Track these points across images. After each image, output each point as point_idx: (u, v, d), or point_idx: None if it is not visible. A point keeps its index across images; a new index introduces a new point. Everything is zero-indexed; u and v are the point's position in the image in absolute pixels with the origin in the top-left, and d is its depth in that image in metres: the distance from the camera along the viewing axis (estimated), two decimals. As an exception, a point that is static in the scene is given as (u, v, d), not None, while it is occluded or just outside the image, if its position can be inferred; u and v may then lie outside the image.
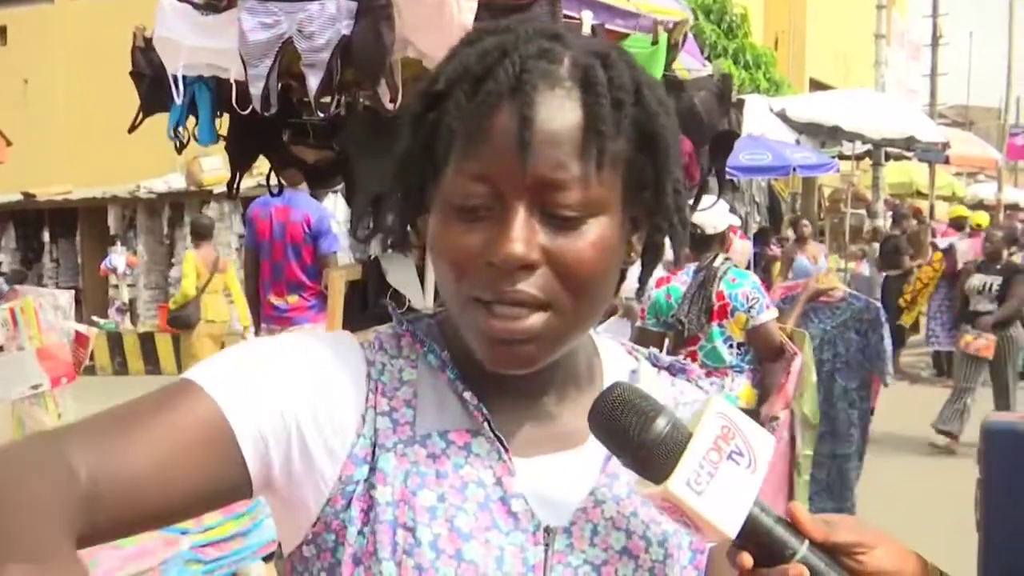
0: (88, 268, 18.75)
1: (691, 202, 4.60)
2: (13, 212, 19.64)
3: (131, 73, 4.09)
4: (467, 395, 1.12)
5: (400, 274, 4.28)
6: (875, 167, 18.82)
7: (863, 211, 20.23)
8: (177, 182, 16.33)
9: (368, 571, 1.07)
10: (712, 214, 5.24)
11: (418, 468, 1.09)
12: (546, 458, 1.15)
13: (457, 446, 1.11)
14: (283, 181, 4.83)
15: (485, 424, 1.12)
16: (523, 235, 1.02)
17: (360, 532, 1.08)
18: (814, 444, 5.82)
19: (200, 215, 13.08)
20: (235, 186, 4.64)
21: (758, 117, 14.68)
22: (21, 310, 2.84)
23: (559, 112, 1.03)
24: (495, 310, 1.05)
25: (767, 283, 8.18)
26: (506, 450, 1.12)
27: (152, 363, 15.66)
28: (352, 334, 1.21)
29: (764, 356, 5.28)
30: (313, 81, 3.52)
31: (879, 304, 7.95)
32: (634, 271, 1.23)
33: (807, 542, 1.03)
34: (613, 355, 1.26)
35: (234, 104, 3.70)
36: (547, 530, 1.11)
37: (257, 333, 7.13)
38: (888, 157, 18.07)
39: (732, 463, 1.00)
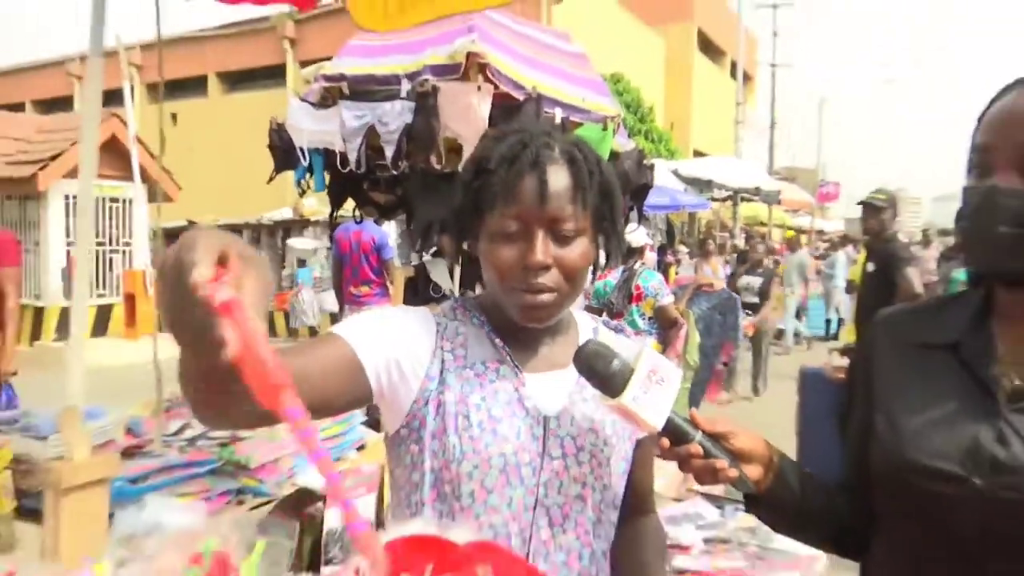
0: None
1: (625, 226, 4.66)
2: (179, 234, 19.44)
3: (268, 146, 4.09)
4: (497, 341, 1.20)
5: (439, 272, 4.27)
6: (734, 206, 18.71)
7: (727, 234, 20.21)
8: (287, 214, 16.19)
9: (440, 443, 1.14)
10: (635, 235, 5.29)
11: (468, 381, 1.16)
12: (544, 375, 1.21)
13: (491, 369, 1.18)
14: (362, 213, 4.82)
15: (508, 357, 1.19)
16: (542, 249, 1.12)
17: (435, 418, 1.14)
18: (690, 379, 5.90)
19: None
20: (333, 216, 4.65)
21: (660, 174, 14.55)
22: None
23: (558, 178, 1.13)
24: (527, 295, 1.14)
25: (666, 279, 8.20)
26: (520, 372, 1.19)
27: (272, 331, 15.51)
28: (429, 310, 1.25)
29: (664, 325, 5.30)
30: (389, 152, 3.52)
31: (737, 295, 7.99)
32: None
33: (700, 431, 1.09)
34: (582, 319, 1.32)
35: (337, 165, 3.72)
36: (545, 417, 1.17)
37: (341, 312, 7.09)
38: (742, 199, 18.01)
39: (657, 386, 1.06)
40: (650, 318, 5.25)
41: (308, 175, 3.89)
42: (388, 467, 1.25)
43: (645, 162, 4.08)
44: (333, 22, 17.79)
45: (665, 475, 2.98)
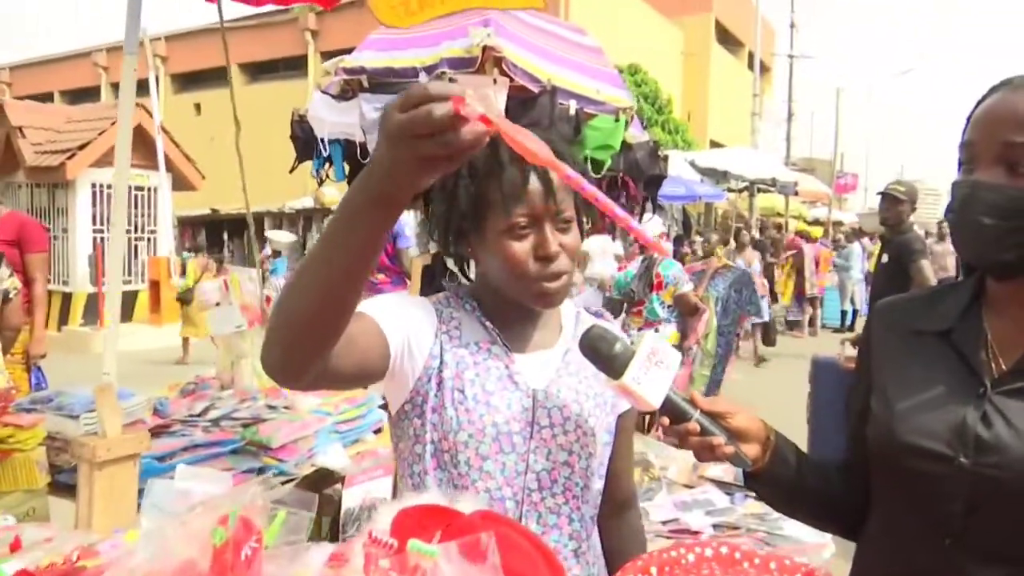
0: (251, 257, 18.70)
1: (637, 215, 4.66)
2: (204, 221, 19.63)
3: (291, 137, 4.09)
4: (487, 323, 1.27)
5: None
6: (751, 197, 18.60)
7: (742, 224, 20.12)
8: (308, 203, 16.31)
9: (439, 416, 1.21)
10: (651, 224, 5.31)
11: (463, 359, 1.23)
12: (532, 354, 1.29)
13: (483, 349, 1.25)
14: None
15: (498, 338, 1.26)
16: (552, 239, 1.20)
17: (435, 395, 1.22)
18: (710, 365, 5.84)
19: (196, 242, 12.13)
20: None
21: (676, 164, 14.52)
22: (231, 280, 2.95)
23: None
24: (545, 283, 1.21)
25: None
26: (510, 351, 1.26)
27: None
28: (426, 298, 1.32)
29: (685, 313, 5.33)
30: (406, 143, 3.53)
31: (750, 270, 8.01)
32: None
33: (699, 411, 1.13)
34: (565, 304, 1.37)
35: (357, 156, 3.72)
36: (533, 390, 1.24)
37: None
38: (759, 190, 17.91)
39: (656, 367, 1.10)
40: (670, 306, 5.27)
41: (328, 165, 3.92)
42: (393, 443, 1.32)
43: (659, 153, 4.08)
44: (354, 14, 17.81)
45: (677, 462, 3.02)
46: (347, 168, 3.99)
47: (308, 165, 4.14)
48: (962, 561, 1.06)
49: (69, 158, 11.52)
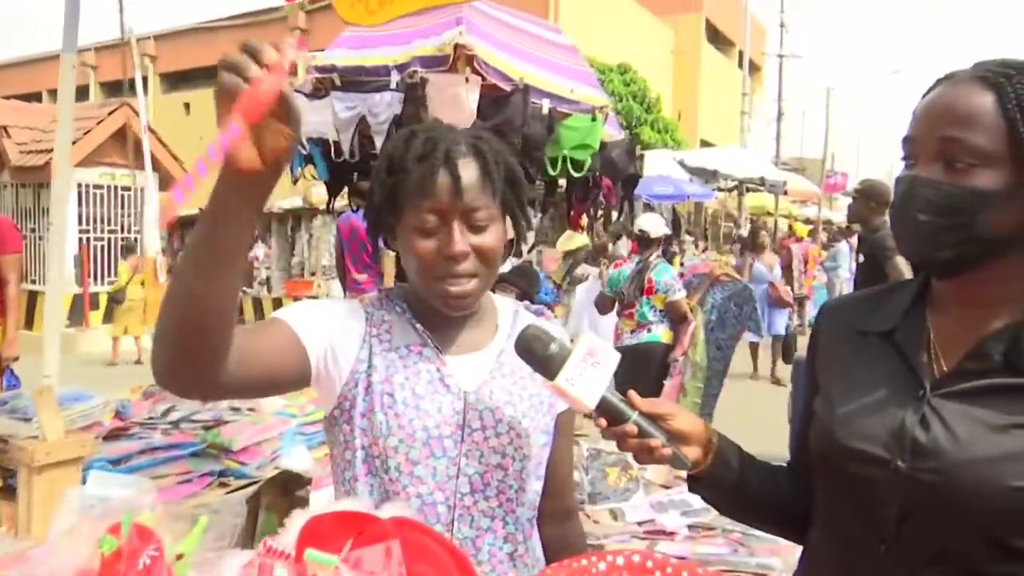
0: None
1: (615, 215, 4.64)
2: (192, 221, 19.52)
3: None
4: (418, 326, 1.25)
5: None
6: (740, 196, 18.70)
7: (732, 224, 20.20)
8: (297, 202, 16.24)
9: (368, 420, 1.19)
10: (654, 224, 5.27)
11: (393, 363, 1.21)
12: (464, 356, 1.26)
13: (414, 352, 1.23)
14: (356, 203, 4.80)
15: (429, 340, 1.23)
16: (460, 239, 1.17)
17: (363, 399, 1.20)
18: (703, 378, 5.59)
19: (129, 240, 12.13)
20: (330, 205, 4.67)
21: (666, 164, 14.59)
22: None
23: (468, 171, 1.17)
24: (450, 285, 1.18)
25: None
26: (441, 353, 1.24)
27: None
28: (356, 300, 1.30)
29: (675, 320, 5.25)
30: (379, 142, 3.53)
31: (752, 286, 7.89)
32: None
33: (637, 412, 1.10)
34: (503, 303, 1.37)
35: (331, 155, 3.72)
36: (465, 392, 1.22)
37: (345, 297, 7.11)
38: (748, 190, 17.95)
39: (593, 368, 1.08)
40: (661, 311, 5.22)
41: (308, 164, 3.89)
42: (329, 449, 1.30)
43: (635, 152, 4.06)
44: (342, 13, 17.71)
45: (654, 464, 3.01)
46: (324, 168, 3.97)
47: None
48: (895, 569, 1.03)
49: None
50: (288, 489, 2.78)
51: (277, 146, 0.89)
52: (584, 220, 4.57)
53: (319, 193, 14.50)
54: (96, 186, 12.41)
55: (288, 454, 2.56)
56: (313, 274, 15.88)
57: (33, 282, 11.01)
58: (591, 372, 1.08)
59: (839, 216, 25.92)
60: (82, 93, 26.21)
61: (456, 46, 3.30)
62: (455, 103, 3.26)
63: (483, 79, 3.31)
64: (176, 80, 25.83)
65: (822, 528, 1.18)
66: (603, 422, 1.10)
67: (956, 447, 0.99)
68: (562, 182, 4.24)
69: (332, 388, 1.21)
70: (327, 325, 1.20)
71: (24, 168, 11.66)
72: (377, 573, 0.72)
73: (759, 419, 5.81)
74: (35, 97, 24.26)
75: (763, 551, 2.42)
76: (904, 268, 4.54)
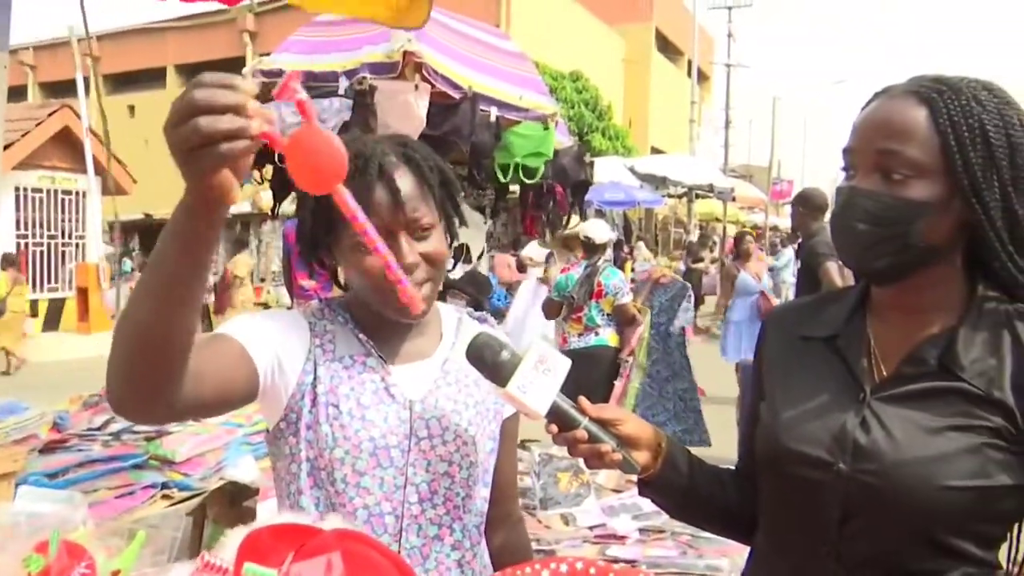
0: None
1: (565, 221, 4.66)
2: (137, 226, 19.10)
3: None
4: (362, 336, 1.23)
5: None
6: (689, 203, 18.97)
7: (681, 230, 20.51)
8: (245, 207, 16.00)
9: (315, 432, 1.17)
10: (599, 231, 5.30)
11: (338, 373, 1.19)
12: (409, 365, 1.25)
13: (358, 362, 1.21)
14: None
15: (372, 350, 1.22)
16: (409, 251, 1.16)
17: (309, 411, 1.18)
18: (640, 379, 5.62)
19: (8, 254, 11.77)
20: (275, 210, 4.58)
21: (616, 170, 14.69)
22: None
23: (408, 181, 1.16)
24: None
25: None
26: (385, 363, 1.22)
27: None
28: (298, 310, 1.27)
29: (623, 323, 5.28)
30: (326, 148, 3.47)
31: (689, 285, 7.96)
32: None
33: (587, 418, 1.10)
34: (446, 311, 1.35)
35: (276, 160, 3.63)
36: (410, 401, 1.21)
37: (292, 305, 6.99)
38: (698, 196, 18.20)
39: (543, 375, 1.08)
40: (608, 314, 5.25)
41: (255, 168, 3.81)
42: (272, 463, 1.27)
43: (585, 159, 4.09)
44: (293, 15, 17.54)
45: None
46: (271, 171, 3.91)
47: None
48: (837, 569, 1.06)
49: (-10, 160, 11.06)
50: (235, 501, 2.72)
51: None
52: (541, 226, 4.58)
53: (268, 198, 14.32)
54: (35, 189, 12.05)
55: (234, 464, 2.51)
56: (263, 280, 15.66)
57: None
58: (542, 379, 1.08)
59: (785, 222, 26.49)
60: (19, 93, 25.40)
61: (405, 53, 3.27)
62: (405, 110, 3.23)
63: (432, 87, 3.29)
64: (120, 82, 25.19)
65: (768, 530, 1.20)
66: (554, 428, 1.10)
67: (894, 449, 1.02)
68: (514, 188, 4.24)
69: (278, 401, 1.19)
70: (273, 337, 1.18)
71: (-42, 171, 11.25)
72: (318, 586, 0.70)
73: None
74: (-30, 98, 23.44)
75: (712, 553, 2.44)
76: (835, 273, 4.65)
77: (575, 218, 4.39)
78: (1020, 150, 1.03)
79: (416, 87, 3.21)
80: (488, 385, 1.13)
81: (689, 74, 26.80)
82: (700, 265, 15.06)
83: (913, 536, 1.02)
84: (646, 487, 1.21)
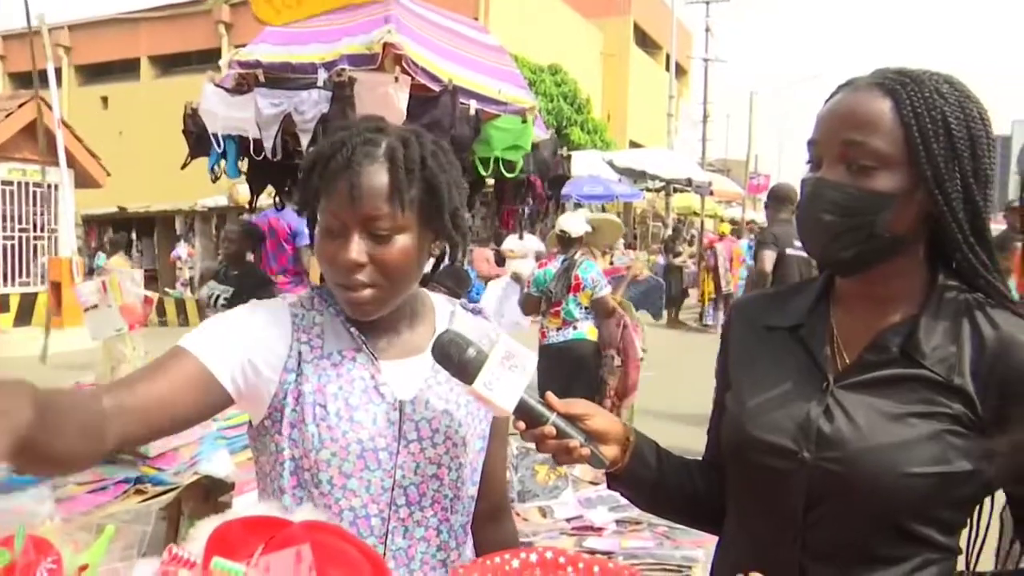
0: (162, 257, 18.04)
1: (541, 214, 4.66)
2: (111, 219, 18.87)
3: (183, 131, 3.96)
4: (352, 329, 1.19)
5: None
6: (667, 196, 19.04)
7: (660, 223, 20.59)
8: (222, 201, 15.83)
9: (299, 432, 1.15)
10: (575, 224, 5.28)
11: (325, 372, 1.16)
12: (400, 361, 1.21)
13: (348, 358, 1.18)
14: (283, 200, 4.68)
15: (363, 345, 1.19)
16: (356, 248, 1.12)
17: (294, 410, 1.15)
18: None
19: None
20: (253, 204, 4.57)
21: (595, 164, 14.74)
22: (109, 281, 2.80)
23: (376, 178, 1.12)
24: (347, 292, 1.15)
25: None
26: (376, 359, 1.19)
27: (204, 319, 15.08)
28: (283, 299, 1.25)
29: (601, 316, 5.26)
30: (304, 141, 3.46)
31: (663, 281, 8.04)
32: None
33: (555, 413, 1.10)
34: (440, 302, 1.31)
35: (251, 153, 3.63)
36: (400, 402, 1.18)
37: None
38: (675, 190, 18.28)
39: (510, 372, 1.07)
40: (586, 308, 5.25)
41: (223, 161, 3.78)
42: (254, 456, 1.25)
43: (560, 152, 4.09)
44: (269, 7, 17.34)
45: (583, 459, 3.05)
46: (247, 164, 3.89)
47: (221, 163, 4.00)
48: (802, 558, 1.07)
49: (-44, 152, 10.87)
50: (210, 495, 2.70)
51: None
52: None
53: (244, 191, 14.19)
54: (5, 182, 11.86)
55: (208, 459, 2.49)
56: (240, 274, 15.48)
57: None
58: (509, 376, 1.07)
59: (762, 216, 26.70)
60: (-11, 84, 24.96)
61: (385, 45, 3.26)
62: (384, 103, 3.22)
63: (412, 79, 3.27)
64: (92, 73, 24.81)
65: (735, 519, 1.21)
66: (521, 424, 1.09)
67: (857, 436, 1.04)
68: (491, 181, 4.25)
69: (260, 401, 1.16)
70: (241, 341, 1.14)
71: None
72: (287, 578, 0.70)
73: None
74: (-61, 88, 23.02)
75: (688, 544, 2.47)
76: (767, 260, 4.77)
77: (568, 212, 4.40)
78: (980, 142, 1.04)
79: (396, 79, 3.20)
80: (455, 381, 1.11)
81: (667, 68, 26.88)
82: (679, 260, 15.12)
83: (876, 523, 1.04)
84: (615, 481, 1.21)
